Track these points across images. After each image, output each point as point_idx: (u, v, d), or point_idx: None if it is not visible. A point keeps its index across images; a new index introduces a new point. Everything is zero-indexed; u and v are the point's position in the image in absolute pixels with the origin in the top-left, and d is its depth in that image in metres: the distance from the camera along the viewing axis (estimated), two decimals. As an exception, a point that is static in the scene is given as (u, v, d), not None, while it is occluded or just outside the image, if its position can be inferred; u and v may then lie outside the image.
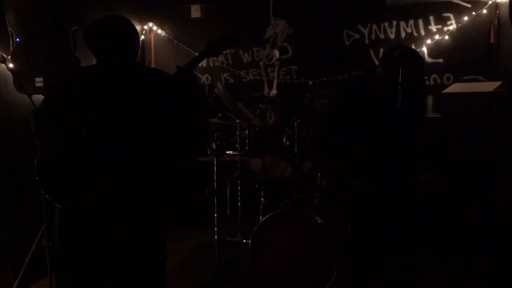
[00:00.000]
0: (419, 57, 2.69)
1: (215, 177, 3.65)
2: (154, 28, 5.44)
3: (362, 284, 2.79)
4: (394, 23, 4.72)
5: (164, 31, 5.44)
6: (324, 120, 2.82)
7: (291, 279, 3.13)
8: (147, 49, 5.45)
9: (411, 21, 4.66)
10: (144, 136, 2.02)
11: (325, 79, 4.87)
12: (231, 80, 5.29)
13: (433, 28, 4.59)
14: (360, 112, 2.62)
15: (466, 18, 4.45)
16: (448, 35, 4.52)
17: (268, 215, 3.17)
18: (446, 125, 3.75)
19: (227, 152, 4.03)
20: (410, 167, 2.80)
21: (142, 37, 5.34)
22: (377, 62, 3.59)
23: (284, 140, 3.92)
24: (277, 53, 5.11)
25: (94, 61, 2.19)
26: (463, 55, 4.48)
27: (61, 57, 3.13)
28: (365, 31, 4.83)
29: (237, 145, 4.19)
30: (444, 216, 3.59)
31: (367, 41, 4.83)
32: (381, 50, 4.68)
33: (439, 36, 4.55)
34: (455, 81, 4.47)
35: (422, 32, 4.64)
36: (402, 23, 4.70)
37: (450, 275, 3.33)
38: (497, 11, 4.34)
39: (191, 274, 3.64)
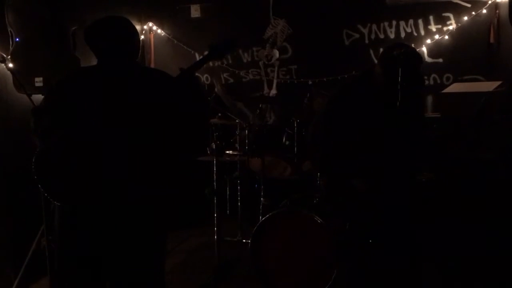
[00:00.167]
0: (418, 56, 2.69)
1: (215, 177, 3.64)
2: (154, 28, 5.45)
3: (361, 283, 2.80)
4: (394, 23, 4.73)
5: (164, 31, 5.44)
6: (324, 119, 2.82)
7: (291, 279, 3.13)
8: (147, 49, 5.45)
9: (411, 21, 4.67)
10: (144, 136, 2.03)
11: (324, 79, 4.88)
12: (231, 80, 5.29)
13: (433, 28, 4.60)
14: (359, 112, 2.62)
15: (466, 18, 4.45)
16: (448, 35, 4.53)
17: (267, 215, 3.17)
18: (446, 125, 3.75)
19: (227, 152, 4.03)
20: (410, 167, 2.80)
21: (142, 37, 5.34)
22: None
23: (283, 140, 3.91)
24: (276, 53, 5.11)
25: (94, 61, 2.19)
26: (463, 55, 4.49)
27: (61, 57, 3.13)
28: (365, 31, 4.83)
29: (236, 145, 4.19)
30: (443, 216, 3.59)
31: (367, 41, 4.84)
32: (381, 50, 4.65)
33: (439, 36, 4.55)
34: (455, 81, 4.48)
35: (422, 32, 4.64)
36: (402, 23, 4.70)
37: (450, 274, 3.33)
38: (497, 11, 4.34)
39: (191, 274, 3.64)
